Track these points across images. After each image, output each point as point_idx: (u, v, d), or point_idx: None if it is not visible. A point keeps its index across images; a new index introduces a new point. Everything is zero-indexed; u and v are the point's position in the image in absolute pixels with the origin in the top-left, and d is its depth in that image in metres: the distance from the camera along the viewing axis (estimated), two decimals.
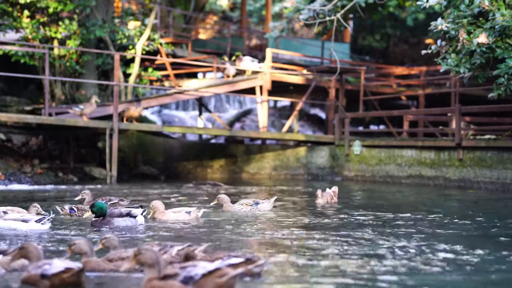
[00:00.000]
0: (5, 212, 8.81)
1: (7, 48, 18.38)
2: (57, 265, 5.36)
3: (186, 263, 5.39)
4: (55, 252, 6.86)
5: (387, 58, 34.59)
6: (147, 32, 20.75)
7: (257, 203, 10.55)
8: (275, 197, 11.01)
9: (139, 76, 20.92)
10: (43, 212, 9.06)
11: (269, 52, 20.92)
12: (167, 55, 22.88)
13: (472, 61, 11.78)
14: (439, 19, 12.07)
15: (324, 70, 21.22)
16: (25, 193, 13.73)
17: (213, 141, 23.68)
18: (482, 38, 11.34)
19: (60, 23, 19.20)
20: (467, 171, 15.98)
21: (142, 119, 20.37)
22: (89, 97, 18.41)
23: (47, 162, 18.22)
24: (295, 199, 13.12)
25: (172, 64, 22.31)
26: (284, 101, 27.31)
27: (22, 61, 18.71)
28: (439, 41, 12.32)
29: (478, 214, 10.44)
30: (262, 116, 20.29)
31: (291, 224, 9.18)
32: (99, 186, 15.55)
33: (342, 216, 10.03)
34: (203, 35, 36.49)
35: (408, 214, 10.17)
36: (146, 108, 21.01)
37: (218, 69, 22.50)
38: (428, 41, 31.38)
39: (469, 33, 11.67)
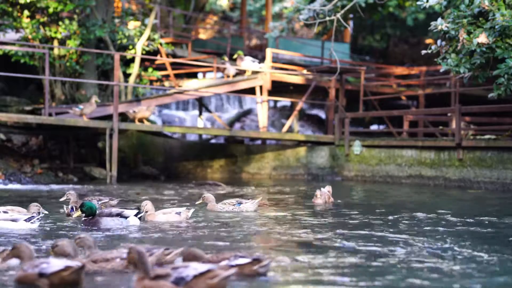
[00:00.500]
0: (5, 212, 8.82)
1: (7, 48, 18.38)
2: (56, 263, 5.31)
3: (178, 264, 5.37)
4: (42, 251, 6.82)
5: (387, 58, 34.59)
6: (147, 32, 20.75)
7: (240, 203, 10.59)
8: (260, 198, 10.99)
9: (139, 76, 20.92)
10: (44, 211, 9.10)
11: (269, 52, 20.92)
12: (167, 55, 22.88)
13: (472, 61, 11.78)
14: (439, 19, 12.07)
15: (324, 70, 21.21)
16: (25, 192, 13.72)
17: (213, 141, 23.67)
18: (482, 38, 11.35)
19: (60, 23, 19.20)
20: (467, 171, 15.98)
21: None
22: (89, 97, 18.41)
23: (47, 162, 18.22)
24: (295, 199, 13.12)
25: (172, 64, 22.31)
26: (284, 101, 27.29)
27: (22, 61, 18.72)
28: (439, 41, 12.32)
29: (483, 212, 10.44)
30: (262, 116, 20.28)
31: (291, 224, 9.18)
32: (102, 187, 15.56)
33: (341, 215, 10.04)
34: (203, 35, 36.49)
35: (420, 213, 10.17)
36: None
37: (218, 69, 22.49)
38: (428, 41, 31.39)
39: (469, 33, 11.67)
